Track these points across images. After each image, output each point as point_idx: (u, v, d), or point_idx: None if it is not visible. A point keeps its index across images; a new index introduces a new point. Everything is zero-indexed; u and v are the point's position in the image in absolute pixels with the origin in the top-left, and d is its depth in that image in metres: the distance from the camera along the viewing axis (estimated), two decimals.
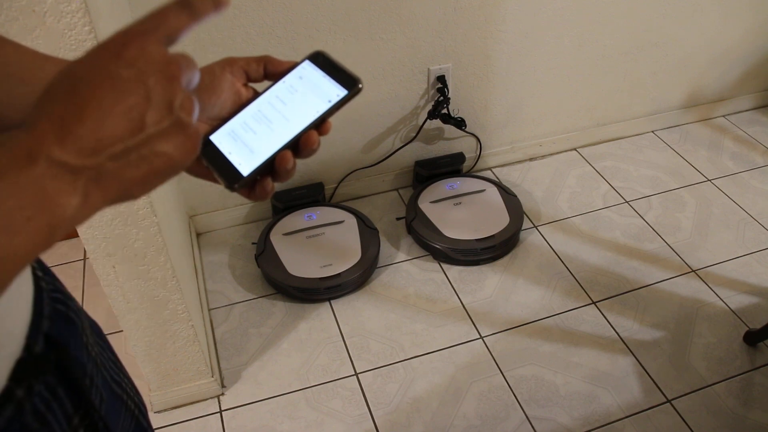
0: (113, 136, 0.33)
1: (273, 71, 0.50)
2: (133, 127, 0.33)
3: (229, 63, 0.49)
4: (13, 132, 0.32)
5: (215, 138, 0.48)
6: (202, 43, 1.54)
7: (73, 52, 0.89)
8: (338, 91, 0.48)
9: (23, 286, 0.45)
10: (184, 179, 1.77)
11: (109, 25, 1.05)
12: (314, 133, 0.47)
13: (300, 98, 0.49)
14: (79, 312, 0.51)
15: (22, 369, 0.41)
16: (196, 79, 0.37)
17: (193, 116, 0.36)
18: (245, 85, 0.50)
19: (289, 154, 0.46)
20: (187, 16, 0.38)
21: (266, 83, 0.51)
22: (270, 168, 0.47)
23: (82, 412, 0.46)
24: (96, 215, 0.38)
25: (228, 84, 0.48)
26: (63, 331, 0.46)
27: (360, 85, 0.49)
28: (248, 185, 0.47)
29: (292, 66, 0.50)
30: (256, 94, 0.50)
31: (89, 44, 0.89)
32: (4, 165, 0.31)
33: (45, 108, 0.33)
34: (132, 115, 0.33)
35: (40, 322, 0.44)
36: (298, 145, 0.47)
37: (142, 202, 1.09)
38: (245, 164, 0.47)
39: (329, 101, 0.48)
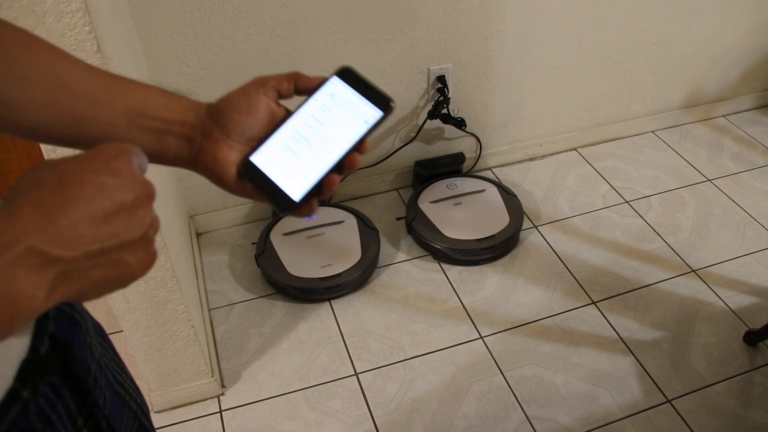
0: (92, 235, 0.34)
1: (303, 87, 0.51)
2: (110, 231, 0.35)
3: (262, 84, 0.50)
4: None
5: (256, 159, 0.50)
6: (201, 43, 1.54)
7: (73, 52, 0.89)
8: (374, 113, 0.50)
9: None
10: (184, 179, 1.77)
11: (109, 25, 1.05)
12: (357, 155, 0.50)
13: (336, 118, 0.50)
14: (84, 313, 0.51)
15: (27, 369, 0.41)
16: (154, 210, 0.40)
17: (157, 236, 0.38)
18: (277, 103, 0.51)
19: (336, 176, 0.49)
20: (145, 166, 0.42)
21: (298, 99, 0.52)
22: (317, 189, 0.49)
23: (87, 413, 0.46)
24: None
25: (263, 104, 0.50)
26: (68, 332, 0.47)
27: (392, 105, 0.50)
28: (298, 208, 0.50)
29: (322, 82, 0.51)
30: (289, 113, 0.51)
31: (89, 44, 0.89)
32: None
33: (30, 195, 0.33)
34: (111, 219, 0.35)
35: (46, 322, 0.44)
36: (341, 166, 0.50)
37: None
38: (294, 189, 0.49)
39: (366, 122, 0.50)
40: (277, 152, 0.50)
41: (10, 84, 0.44)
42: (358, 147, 0.50)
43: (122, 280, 0.37)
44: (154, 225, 0.39)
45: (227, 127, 0.49)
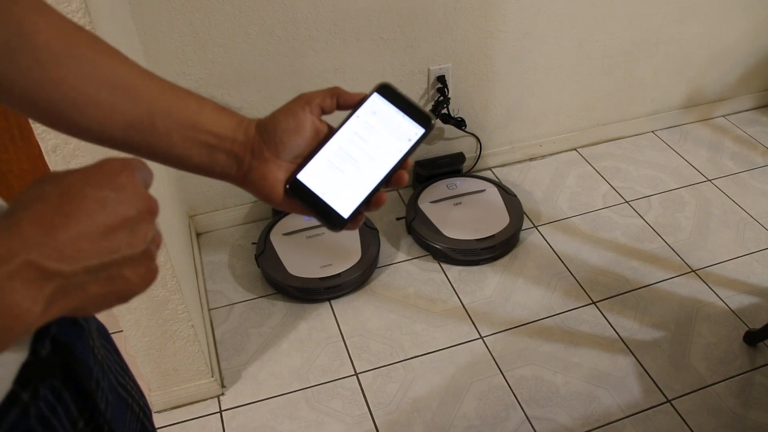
0: (92, 250, 0.34)
1: (344, 104, 0.53)
2: (110, 246, 0.35)
3: (307, 102, 0.51)
4: None
5: (303, 177, 0.51)
6: (201, 43, 1.54)
7: None
8: (416, 130, 0.52)
9: None
10: (184, 178, 1.77)
11: (109, 25, 1.05)
12: (404, 173, 0.52)
13: (379, 136, 0.52)
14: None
15: (27, 372, 0.40)
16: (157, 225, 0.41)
17: (159, 252, 0.38)
18: (320, 119, 0.52)
19: (384, 194, 0.51)
20: (150, 181, 0.42)
21: (338, 115, 0.53)
22: (365, 205, 0.51)
23: (88, 416, 0.46)
24: None
25: (309, 123, 0.51)
26: (70, 334, 0.46)
27: (434, 122, 0.52)
28: (347, 224, 0.51)
29: (363, 98, 0.53)
30: (333, 130, 0.52)
31: None
32: None
33: (32, 208, 0.33)
34: (112, 235, 0.35)
35: (47, 325, 0.44)
36: (388, 182, 0.52)
37: None
38: (343, 205, 0.51)
39: (409, 140, 0.52)
40: (324, 169, 0.51)
41: (76, 82, 0.45)
42: (403, 164, 0.52)
43: (122, 295, 0.37)
44: (156, 240, 0.39)
45: (277, 148, 0.50)
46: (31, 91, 0.44)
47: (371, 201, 0.51)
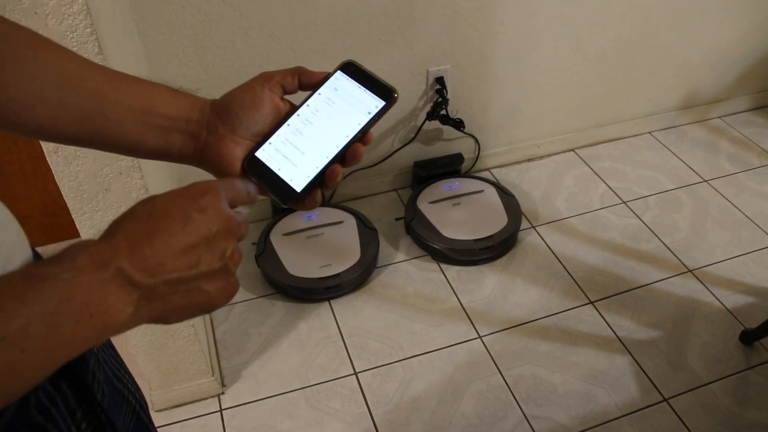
0: (172, 266, 0.38)
1: (307, 82, 0.52)
2: (190, 262, 0.39)
3: (266, 79, 0.51)
4: (92, 240, 0.37)
5: (261, 155, 0.50)
6: (202, 45, 1.55)
7: None
8: (376, 102, 0.50)
9: None
10: (185, 179, 1.78)
11: (110, 27, 1.06)
12: (360, 146, 0.50)
13: (339, 111, 0.51)
14: None
15: None
16: (244, 238, 0.44)
17: (238, 268, 0.42)
18: (282, 98, 0.52)
19: (338, 167, 0.50)
20: (245, 196, 0.47)
21: (302, 94, 0.52)
22: (320, 180, 0.50)
23: (86, 407, 0.47)
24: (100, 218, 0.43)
25: (268, 100, 0.50)
26: None
27: (396, 95, 0.51)
28: (301, 199, 0.50)
29: (326, 77, 0.52)
30: (294, 108, 0.52)
31: (91, 46, 0.90)
32: (84, 265, 0.35)
33: (124, 224, 0.38)
34: (192, 252, 0.39)
35: None
36: (344, 157, 0.50)
37: (142, 198, 1.09)
38: (296, 180, 0.49)
39: (368, 113, 0.50)
40: (282, 146, 0.50)
41: (20, 83, 0.45)
42: (362, 138, 0.50)
43: (201, 306, 0.41)
44: (234, 257, 0.42)
45: (232, 124, 0.49)
46: None
47: (326, 175, 0.49)
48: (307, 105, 0.51)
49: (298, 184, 0.49)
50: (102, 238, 0.38)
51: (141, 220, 0.38)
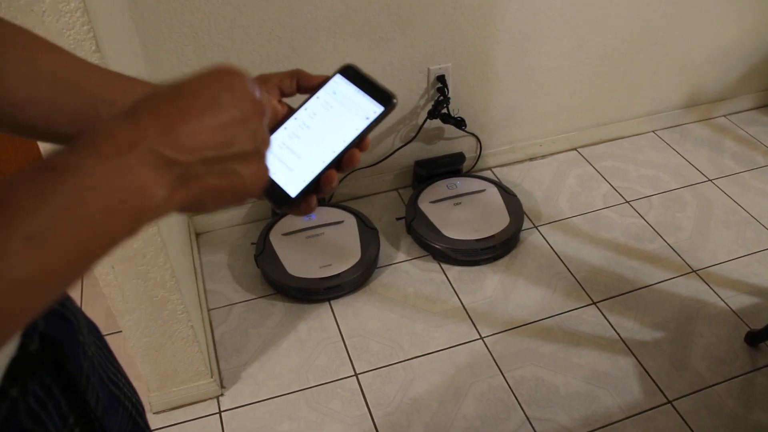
0: (208, 143, 0.36)
1: (305, 85, 0.51)
2: (224, 141, 0.37)
3: (264, 81, 0.50)
4: (110, 121, 0.34)
5: None
6: (201, 43, 1.54)
7: (72, 52, 0.89)
8: (374, 108, 0.50)
9: None
10: None
11: (108, 25, 1.05)
12: (357, 152, 0.49)
13: (337, 115, 0.50)
14: (76, 311, 0.51)
15: (16, 368, 0.40)
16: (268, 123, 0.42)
17: (268, 153, 0.40)
18: (279, 101, 0.51)
19: (334, 173, 0.49)
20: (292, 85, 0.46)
21: (300, 97, 0.52)
22: (315, 186, 0.49)
23: (78, 412, 0.46)
24: None
25: (265, 102, 0.50)
26: (59, 330, 0.46)
27: (395, 101, 0.50)
28: (296, 204, 0.49)
29: (324, 80, 0.51)
30: (291, 111, 0.51)
31: (88, 44, 0.89)
32: (108, 150, 0.33)
33: (150, 104, 0.35)
34: (226, 131, 0.37)
35: (36, 320, 0.44)
36: (340, 163, 0.49)
37: None
38: (291, 185, 0.48)
39: (366, 118, 0.49)
40: (277, 150, 0.49)
41: (15, 83, 0.44)
42: (359, 143, 0.49)
43: (236, 192, 0.38)
44: (265, 141, 0.40)
45: None
46: None
47: (321, 181, 0.48)
48: (305, 108, 0.51)
49: (293, 189, 0.48)
50: (125, 118, 0.35)
51: (168, 98, 0.36)
